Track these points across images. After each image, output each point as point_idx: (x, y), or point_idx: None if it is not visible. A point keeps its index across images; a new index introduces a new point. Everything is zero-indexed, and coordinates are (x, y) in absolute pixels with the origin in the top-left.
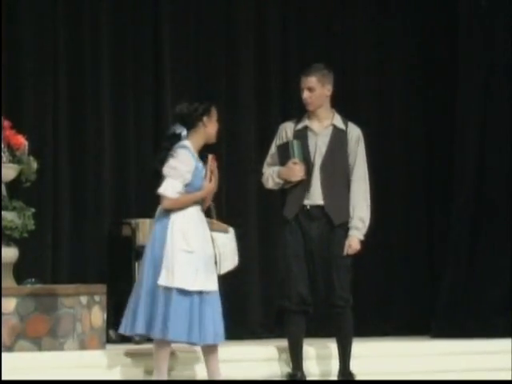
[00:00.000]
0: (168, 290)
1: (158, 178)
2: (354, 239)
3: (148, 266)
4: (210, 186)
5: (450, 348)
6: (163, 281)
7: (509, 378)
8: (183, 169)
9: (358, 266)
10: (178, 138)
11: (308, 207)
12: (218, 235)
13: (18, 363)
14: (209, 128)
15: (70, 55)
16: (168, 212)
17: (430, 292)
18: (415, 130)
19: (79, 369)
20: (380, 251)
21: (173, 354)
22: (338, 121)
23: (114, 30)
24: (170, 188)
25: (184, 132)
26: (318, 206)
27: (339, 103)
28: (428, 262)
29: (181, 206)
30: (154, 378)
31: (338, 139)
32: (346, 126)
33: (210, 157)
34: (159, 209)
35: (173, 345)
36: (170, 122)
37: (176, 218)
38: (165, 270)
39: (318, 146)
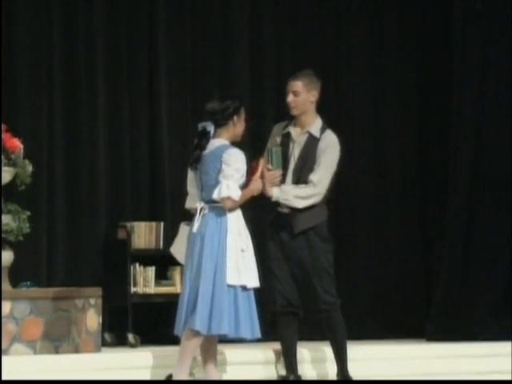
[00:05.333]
0: (233, 288)
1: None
2: (272, 191)
3: (208, 264)
4: (258, 183)
5: (446, 351)
6: (231, 280)
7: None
8: (243, 170)
9: (353, 268)
10: (207, 135)
11: (280, 213)
12: None
13: (13, 366)
14: (238, 127)
15: (65, 58)
16: (221, 210)
17: (426, 295)
18: (410, 128)
19: (74, 372)
20: (375, 254)
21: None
22: (316, 128)
23: (109, 34)
24: (233, 190)
25: (212, 130)
26: (286, 214)
27: (335, 107)
28: (423, 264)
29: (238, 206)
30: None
31: (311, 147)
32: (323, 133)
33: (262, 161)
34: (208, 206)
35: None
36: (165, 125)
37: (232, 218)
38: (231, 269)
39: (293, 153)
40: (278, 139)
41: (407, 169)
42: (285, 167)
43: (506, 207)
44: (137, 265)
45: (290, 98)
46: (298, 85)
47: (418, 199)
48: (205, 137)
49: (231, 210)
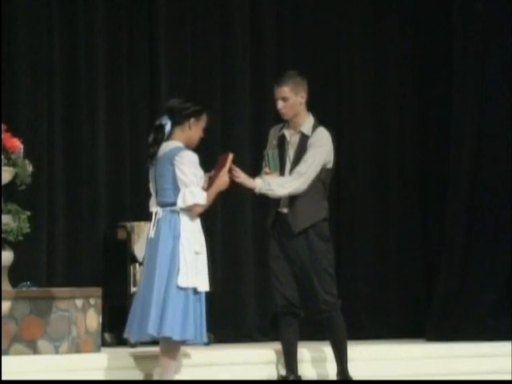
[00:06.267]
0: (184, 291)
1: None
2: (255, 183)
3: (162, 269)
4: (224, 179)
5: (446, 351)
6: (183, 282)
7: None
8: (200, 172)
9: (353, 268)
10: (163, 129)
11: (279, 214)
12: None
13: (13, 366)
14: (193, 131)
15: (64, 58)
16: (175, 213)
17: (426, 295)
18: (410, 130)
19: (74, 372)
20: (375, 254)
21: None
22: (308, 127)
23: (109, 34)
24: (198, 195)
25: (168, 126)
26: (285, 214)
27: (336, 107)
28: (423, 264)
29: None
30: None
31: (303, 146)
32: (314, 131)
33: (231, 156)
34: (162, 210)
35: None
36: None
37: (186, 220)
38: (183, 271)
39: (289, 154)
40: (275, 142)
41: (407, 168)
42: (282, 169)
43: (505, 207)
44: (137, 265)
45: (280, 104)
46: (285, 91)
47: (418, 199)
48: (160, 131)
49: (200, 214)
